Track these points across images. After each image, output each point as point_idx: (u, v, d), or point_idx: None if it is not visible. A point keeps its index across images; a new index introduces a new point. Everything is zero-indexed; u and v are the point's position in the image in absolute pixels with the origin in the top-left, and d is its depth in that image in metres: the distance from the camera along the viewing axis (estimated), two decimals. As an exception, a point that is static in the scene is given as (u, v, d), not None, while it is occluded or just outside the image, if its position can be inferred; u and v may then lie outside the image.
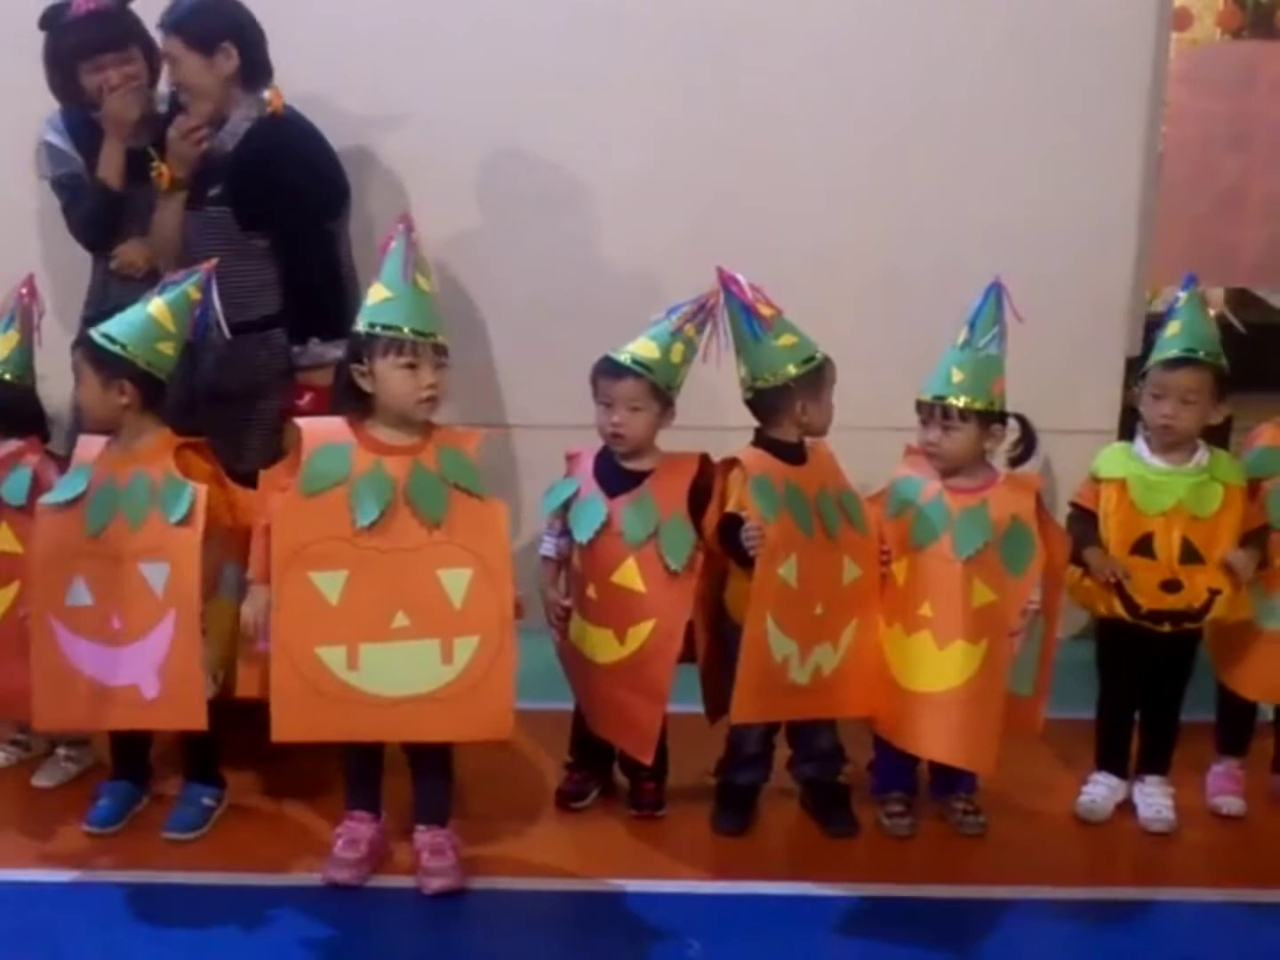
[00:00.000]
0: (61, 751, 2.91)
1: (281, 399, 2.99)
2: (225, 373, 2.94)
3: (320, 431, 2.50)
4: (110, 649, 2.54)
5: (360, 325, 2.47)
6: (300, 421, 2.54)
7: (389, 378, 2.44)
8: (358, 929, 2.47)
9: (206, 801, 2.75)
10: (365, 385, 2.47)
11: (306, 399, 2.92)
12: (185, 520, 2.50)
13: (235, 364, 2.95)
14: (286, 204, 2.93)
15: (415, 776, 2.63)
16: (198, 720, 2.52)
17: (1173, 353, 2.72)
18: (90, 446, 2.64)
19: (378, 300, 2.46)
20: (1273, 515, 2.79)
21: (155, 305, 2.60)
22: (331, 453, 2.46)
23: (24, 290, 2.84)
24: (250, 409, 2.98)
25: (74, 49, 3.02)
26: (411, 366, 2.43)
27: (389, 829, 2.66)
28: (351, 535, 2.42)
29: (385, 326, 2.43)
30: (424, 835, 2.60)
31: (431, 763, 2.60)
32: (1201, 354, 2.72)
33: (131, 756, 2.78)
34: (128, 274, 3.04)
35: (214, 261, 2.67)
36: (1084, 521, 2.77)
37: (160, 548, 2.51)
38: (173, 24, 2.94)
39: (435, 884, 2.53)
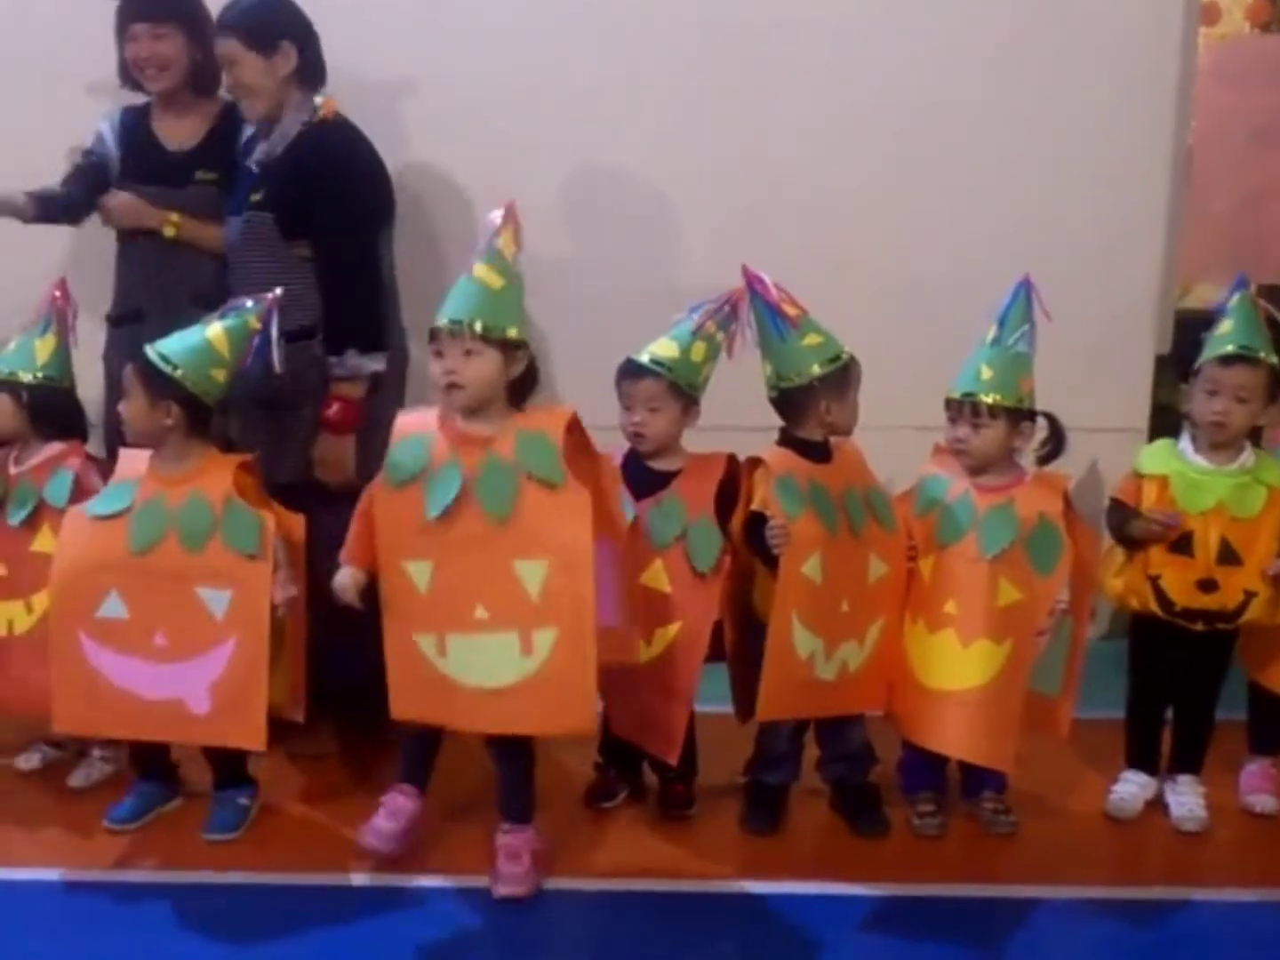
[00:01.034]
0: (96, 753, 2.95)
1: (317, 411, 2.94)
2: (263, 381, 2.88)
3: (408, 423, 2.51)
4: (149, 664, 2.55)
5: None
6: (399, 416, 2.53)
7: (431, 366, 2.46)
8: (389, 928, 2.47)
9: (242, 801, 2.78)
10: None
11: (334, 409, 2.88)
12: (257, 553, 2.52)
13: (269, 374, 2.88)
14: (328, 211, 2.86)
15: (499, 772, 2.63)
16: (257, 741, 2.56)
17: (1229, 349, 2.71)
18: (135, 461, 2.64)
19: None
20: None
21: (214, 330, 2.60)
22: (412, 444, 2.46)
23: (57, 293, 2.88)
24: (289, 418, 2.93)
25: (117, 17, 3.06)
26: (439, 354, 2.44)
27: (434, 823, 2.68)
28: (431, 526, 2.42)
29: (442, 319, 2.44)
30: (504, 837, 2.59)
31: (510, 758, 2.60)
32: (1259, 353, 2.70)
33: (149, 758, 2.81)
34: (115, 225, 3.09)
35: (279, 292, 2.65)
36: (1123, 512, 2.76)
37: (223, 574, 2.52)
38: (230, 23, 2.89)
39: (502, 890, 2.53)
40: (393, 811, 2.61)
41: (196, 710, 2.55)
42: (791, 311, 2.62)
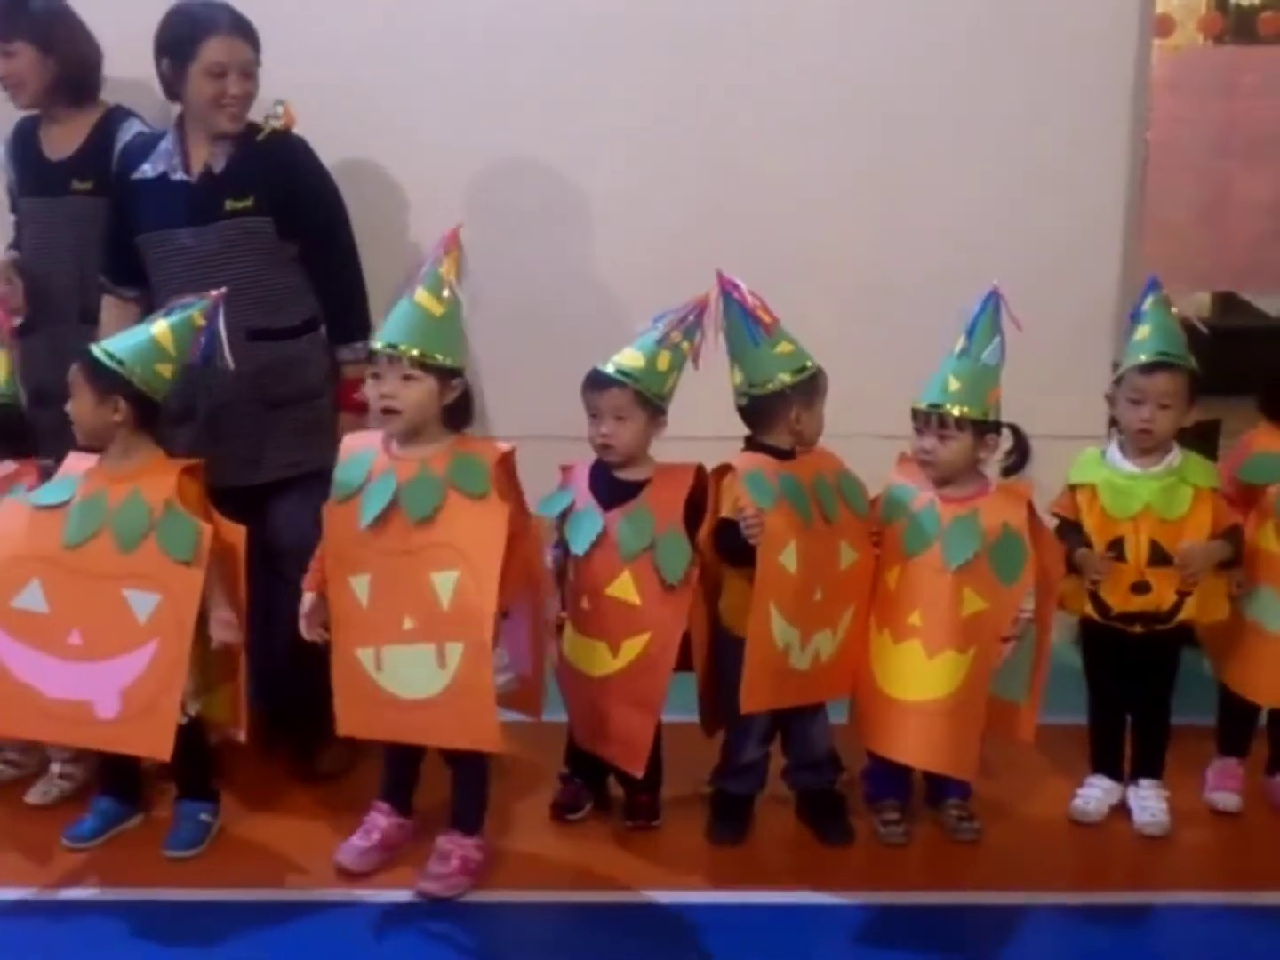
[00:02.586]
0: (56, 769, 2.90)
1: (336, 396, 2.99)
2: (282, 377, 2.93)
3: (355, 442, 2.59)
4: (59, 661, 2.52)
5: None
6: (345, 437, 2.61)
7: (367, 389, 2.52)
8: (353, 943, 2.46)
9: (204, 817, 2.75)
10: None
11: (360, 391, 2.88)
12: (191, 561, 2.50)
13: (291, 367, 2.95)
14: (325, 210, 2.97)
15: (452, 781, 2.65)
16: (163, 750, 2.52)
17: (1147, 357, 2.74)
18: (81, 460, 2.63)
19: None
20: None
21: (159, 327, 2.62)
22: (357, 461, 2.53)
23: None
24: (311, 409, 2.98)
25: None
26: (376, 376, 2.49)
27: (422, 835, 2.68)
28: (367, 539, 2.48)
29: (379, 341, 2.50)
30: (442, 839, 2.62)
31: (461, 767, 2.62)
32: (1178, 359, 2.73)
33: (117, 773, 2.78)
34: None
35: (223, 291, 2.66)
36: (1069, 530, 2.79)
37: (152, 578, 2.50)
38: (246, 27, 2.88)
39: (421, 885, 2.57)
40: (367, 830, 2.63)
41: (104, 714, 2.52)
42: (766, 318, 2.63)
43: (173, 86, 2.93)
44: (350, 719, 2.54)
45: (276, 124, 2.94)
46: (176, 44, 2.88)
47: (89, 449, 2.65)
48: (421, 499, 2.47)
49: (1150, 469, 2.75)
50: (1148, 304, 2.78)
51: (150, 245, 2.94)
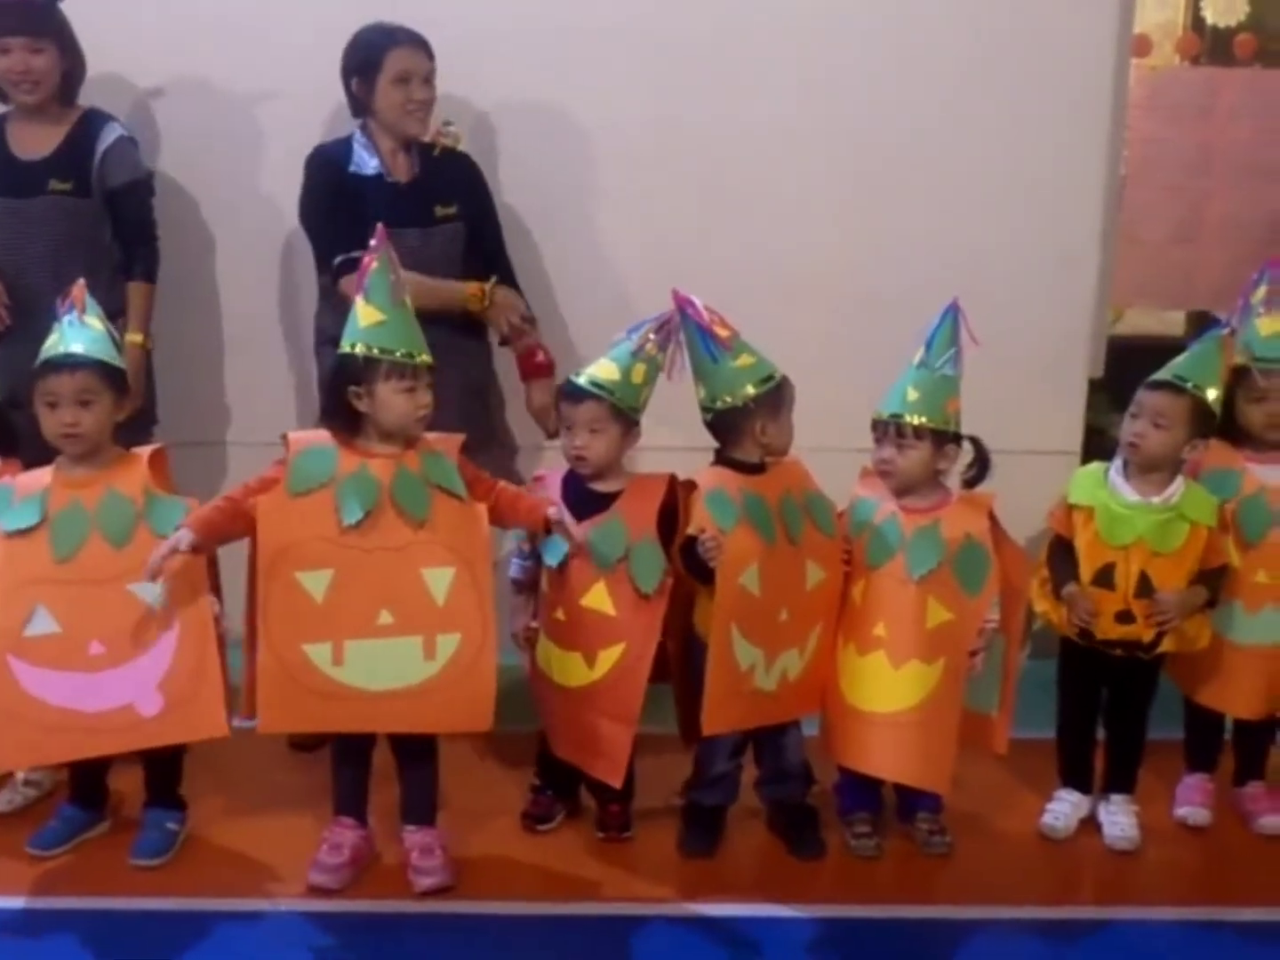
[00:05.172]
0: (20, 776, 2.87)
1: (521, 364, 3.18)
2: (478, 364, 3.22)
3: (307, 437, 2.55)
4: (88, 675, 2.50)
5: (355, 348, 2.48)
6: (290, 434, 2.56)
7: (391, 401, 2.48)
8: (320, 953, 2.44)
9: (171, 826, 2.73)
10: (362, 407, 2.49)
11: (540, 355, 3.16)
12: None
13: (484, 356, 3.24)
14: (494, 213, 3.28)
15: (401, 776, 2.67)
16: (218, 727, 2.53)
17: (1158, 376, 2.74)
18: (37, 477, 2.58)
19: (372, 323, 2.48)
20: (1248, 531, 2.81)
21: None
22: (317, 454, 2.50)
23: None
24: (493, 395, 3.31)
25: None
26: (410, 390, 2.48)
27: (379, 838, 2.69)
28: (337, 535, 2.46)
29: (384, 350, 2.47)
30: (413, 835, 2.63)
31: (417, 760, 2.64)
32: (1187, 383, 2.71)
33: (87, 780, 2.75)
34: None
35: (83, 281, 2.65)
36: (1064, 556, 2.78)
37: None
38: (421, 41, 3.09)
39: (425, 882, 2.58)
40: (335, 846, 2.62)
41: (148, 712, 2.51)
42: (723, 333, 2.62)
43: (362, 101, 3.13)
44: (277, 714, 2.50)
45: (448, 142, 3.21)
46: (363, 62, 3.10)
47: (42, 460, 2.61)
48: (415, 499, 2.48)
49: (1150, 499, 2.72)
50: (1203, 337, 2.77)
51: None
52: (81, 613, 2.50)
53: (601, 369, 2.68)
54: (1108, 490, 2.76)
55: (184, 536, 2.43)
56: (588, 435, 2.67)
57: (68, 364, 2.53)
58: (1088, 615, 2.72)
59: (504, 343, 3.20)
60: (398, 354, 2.47)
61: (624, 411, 2.67)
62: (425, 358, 2.50)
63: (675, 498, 2.67)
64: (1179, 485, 2.74)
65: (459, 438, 2.59)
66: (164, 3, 3.35)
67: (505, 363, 3.32)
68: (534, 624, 2.75)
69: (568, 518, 2.64)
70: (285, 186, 3.19)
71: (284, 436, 2.54)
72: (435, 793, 2.68)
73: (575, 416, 2.67)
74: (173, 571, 2.48)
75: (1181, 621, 2.73)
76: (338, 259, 3.04)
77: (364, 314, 2.48)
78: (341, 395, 2.50)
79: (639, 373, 2.66)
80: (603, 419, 2.66)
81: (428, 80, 3.11)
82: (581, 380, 2.68)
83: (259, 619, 2.48)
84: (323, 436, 2.53)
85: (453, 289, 3.06)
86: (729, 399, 2.63)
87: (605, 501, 2.69)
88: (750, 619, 2.59)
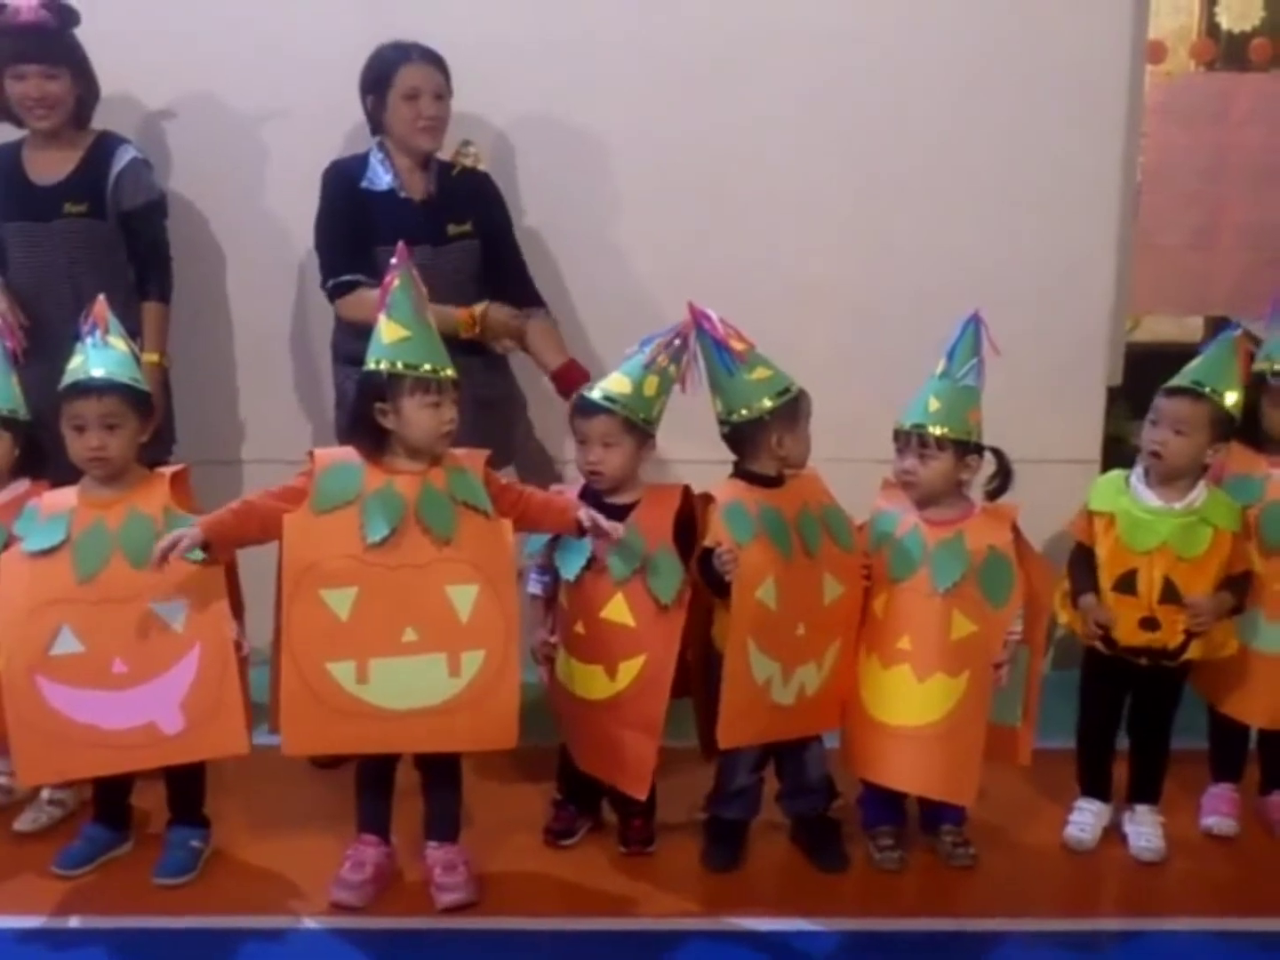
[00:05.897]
0: (45, 795, 2.88)
1: (559, 384, 3.13)
2: (492, 379, 3.19)
3: (332, 454, 2.55)
4: (111, 693, 2.51)
5: (380, 364, 2.48)
6: (316, 451, 2.56)
7: (416, 417, 2.48)
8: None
9: (195, 844, 2.73)
10: (388, 423, 2.49)
11: (577, 371, 3.13)
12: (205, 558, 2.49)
13: (499, 371, 3.23)
14: (510, 229, 3.29)
15: (425, 793, 2.67)
16: (239, 745, 2.55)
17: (1175, 382, 2.74)
18: (63, 497, 2.60)
19: (397, 339, 2.48)
20: (1269, 537, 2.79)
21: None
22: (342, 472, 2.50)
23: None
24: (514, 406, 3.33)
25: (3, 54, 3.06)
26: (436, 405, 2.48)
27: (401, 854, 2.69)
28: (362, 552, 2.45)
29: (409, 365, 2.47)
30: (436, 852, 2.63)
31: (442, 778, 2.64)
32: (1205, 388, 2.71)
33: (111, 800, 2.76)
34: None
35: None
36: (1084, 564, 2.77)
37: (174, 585, 2.50)
38: (435, 58, 3.12)
39: (447, 899, 2.58)
40: (357, 863, 2.62)
41: (169, 730, 2.53)
42: (738, 346, 2.62)
43: (376, 118, 3.16)
44: (301, 736, 2.50)
45: (467, 161, 3.22)
46: (377, 78, 3.13)
47: (69, 478, 2.62)
48: (442, 517, 2.47)
49: (1173, 504, 2.71)
50: (1217, 340, 2.77)
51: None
52: (104, 632, 2.51)
53: (614, 382, 2.68)
54: (1129, 496, 2.75)
55: (190, 532, 2.43)
56: (602, 449, 2.67)
57: (94, 388, 2.53)
58: (1105, 625, 2.71)
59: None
60: (422, 369, 2.47)
61: (638, 424, 2.67)
62: (449, 372, 2.50)
63: (691, 507, 2.67)
64: (1201, 490, 2.73)
65: (484, 453, 2.58)
66: (175, 25, 3.37)
67: (526, 376, 3.33)
68: (552, 639, 2.75)
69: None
70: (297, 205, 3.21)
71: (310, 454, 2.55)
72: (459, 810, 2.68)
73: (589, 431, 2.67)
74: (183, 582, 2.49)
75: (1213, 626, 2.71)
76: (330, 282, 3.09)
77: (388, 331, 2.48)
78: (367, 412, 2.50)
79: (651, 385, 2.66)
80: (616, 432, 2.66)
81: (439, 96, 3.12)
82: (594, 394, 2.68)
83: (283, 637, 2.48)
84: (348, 453, 2.53)
85: (443, 316, 2.90)
86: (745, 412, 2.63)
87: (621, 514, 2.68)
88: (767, 632, 2.59)
